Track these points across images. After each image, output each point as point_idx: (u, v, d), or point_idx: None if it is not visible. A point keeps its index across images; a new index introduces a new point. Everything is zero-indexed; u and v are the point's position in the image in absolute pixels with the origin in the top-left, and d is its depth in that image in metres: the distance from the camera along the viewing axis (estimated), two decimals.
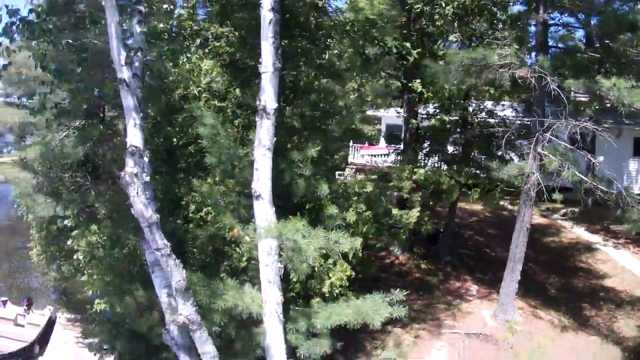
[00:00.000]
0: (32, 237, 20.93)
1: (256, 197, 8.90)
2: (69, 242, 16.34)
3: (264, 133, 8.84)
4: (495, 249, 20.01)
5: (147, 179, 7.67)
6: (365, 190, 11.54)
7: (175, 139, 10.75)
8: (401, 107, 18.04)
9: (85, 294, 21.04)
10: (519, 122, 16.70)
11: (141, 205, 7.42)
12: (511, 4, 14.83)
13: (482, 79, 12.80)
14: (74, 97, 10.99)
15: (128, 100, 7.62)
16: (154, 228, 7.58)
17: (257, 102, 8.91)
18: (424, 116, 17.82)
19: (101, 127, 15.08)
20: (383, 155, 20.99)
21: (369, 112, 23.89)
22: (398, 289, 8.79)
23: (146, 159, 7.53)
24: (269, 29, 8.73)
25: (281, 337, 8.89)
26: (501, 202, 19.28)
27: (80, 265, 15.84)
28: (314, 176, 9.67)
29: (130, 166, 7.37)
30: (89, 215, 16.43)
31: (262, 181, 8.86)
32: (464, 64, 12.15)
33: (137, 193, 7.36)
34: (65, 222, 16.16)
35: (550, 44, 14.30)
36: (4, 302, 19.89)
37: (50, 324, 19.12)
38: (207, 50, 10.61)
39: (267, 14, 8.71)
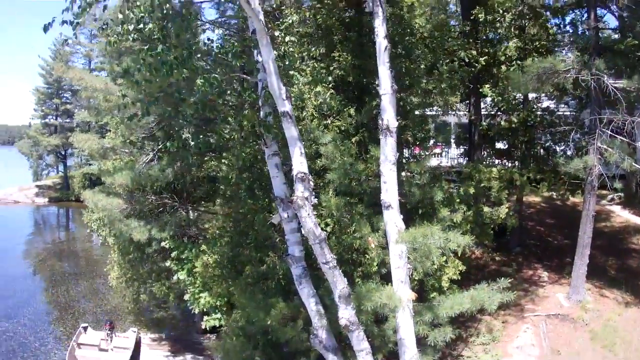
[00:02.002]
0: (109, 261, 21.78)
1: (386, 207, 9.83)
2: (167, 263, 17.27)
3: (389, 149, 9.76)
4: (556, 237, 21.11)
5: (315, 200, 8.62)
6: (470, 192, 12.58)
7: None
8: (468, 110, 19.19)
9: (172, 314, 22.07)
10: (570, 116, 17.81)
11: (312, 224, 8.39)
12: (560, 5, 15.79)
13: (549, 84, 13.85)
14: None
15: (292, 131, 8.53)
16: (324, 244, 8.56)
17: (380, 122, 9.85)
18: (486, 116, 18.99)
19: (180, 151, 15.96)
20: None
21: None
22: (503, 278, 9.89)
23: (311, 183, 8.47)
24: (385, 55, 9.61)
25: (412, 329, 9.80)
26: (553, 193, 20.33)
27: (183, 284, 16.75)
28: (428, 185, 10.66)
29: (300, 191, 8.31)
30: (181, 235, 17.43)
31: (390, 192, 9.78)
32: (538, 72, 13.23)
33: (308, 214, 8.35)
34: (162, 244, 17.10)
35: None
36: (85, 329, 19.99)
37: (137, 345, 19.63)
38: (308, 72, 11.29)
39: (382, 42, 9.61)
